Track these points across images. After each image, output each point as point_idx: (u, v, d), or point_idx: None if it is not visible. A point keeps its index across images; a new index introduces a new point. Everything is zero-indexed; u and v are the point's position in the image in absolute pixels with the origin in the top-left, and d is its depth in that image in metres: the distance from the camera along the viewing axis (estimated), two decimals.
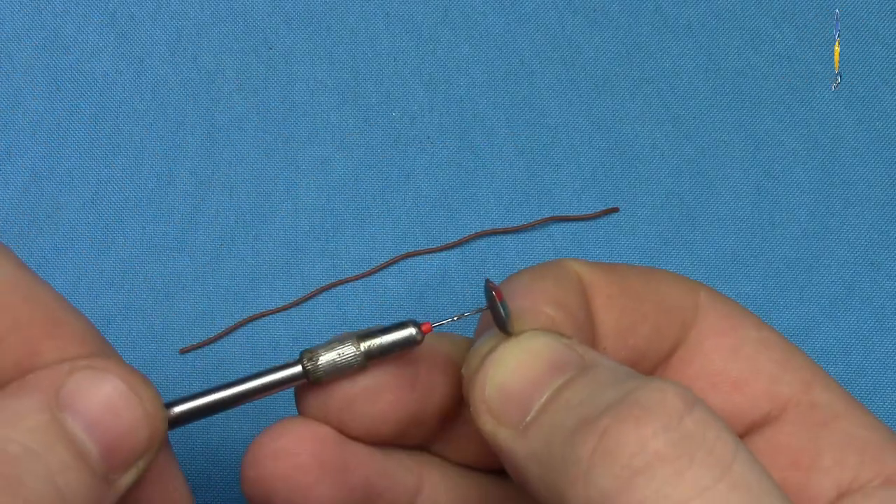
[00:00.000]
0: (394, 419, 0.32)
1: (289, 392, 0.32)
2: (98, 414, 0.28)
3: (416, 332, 0.31)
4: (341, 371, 0.31)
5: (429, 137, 0.51)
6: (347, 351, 0.31)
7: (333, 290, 0.49)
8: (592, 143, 0.52)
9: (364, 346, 0.31)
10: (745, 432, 0.33)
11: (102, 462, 0.27)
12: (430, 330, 0.31)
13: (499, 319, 0.30)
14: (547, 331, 0.29)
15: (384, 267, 0.50)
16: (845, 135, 0.52)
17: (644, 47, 0.52)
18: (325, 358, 0.31)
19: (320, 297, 0.49)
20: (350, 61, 0.51)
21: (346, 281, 0.49)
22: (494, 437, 0.28)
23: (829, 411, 0.32)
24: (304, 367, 0.31)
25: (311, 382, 0.31)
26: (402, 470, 0.33)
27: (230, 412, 0.31)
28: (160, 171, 0.50)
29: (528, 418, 0.28)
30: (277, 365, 0.31)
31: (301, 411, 0.32)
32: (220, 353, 0.49)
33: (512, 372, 0.28)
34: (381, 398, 0.31)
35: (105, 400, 0.28)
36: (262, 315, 0.49)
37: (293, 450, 0.31)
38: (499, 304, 0.29)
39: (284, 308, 0.49)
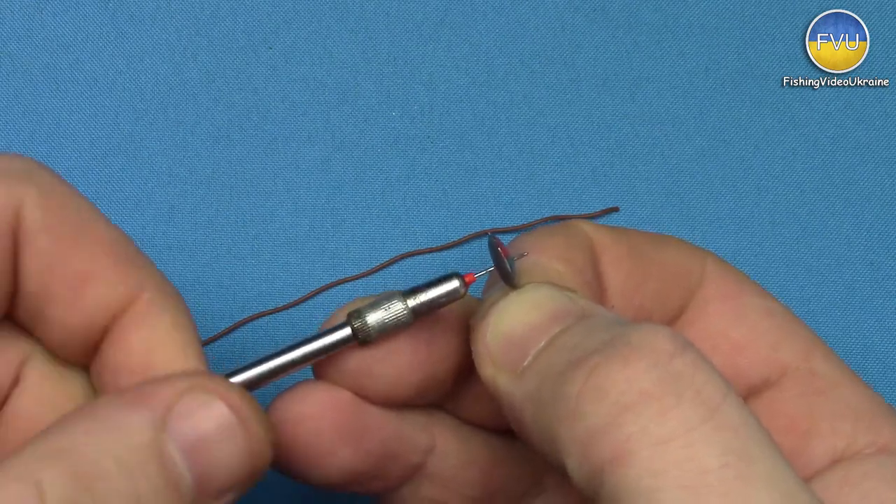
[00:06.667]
0: (410, 381, 0.32)
1: None
2: (200, 442, 0.27)
3: (460, 285, 0.31)
4: (390, 329, 0.31)
5: (429, 137, 0.51)
6: (395, 308, 0.30)
7: (333, 290, 0.49)
8: (592, 142, 0.52)
9: (410, 302, 0.31)
10: (744, 396, 0.33)
11: (193, 490, 0.27)
12: (474, 280, 0.31)
13: (504, 273, 0.30)
14: (550, 284, 0.30)
15: (384, 267, 0.50)
16: (845, 135, 0.52)
17: (644, 47, 0.52)
18: (373, 318, 0.30)
19: (320, 297, 0.49)
20: (350, 61, 0.51)
21: (346, 281, 0.49)
22: (494, 381, 0.29)
23: (827, 380, 0.32)
24: (352, 329, 0.31)
25: (360, 343, 0.31)
26: (416, 430, 0.33)
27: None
28: (160, 170, 0.50)
29: (526, 363, 0.28)
30: (325, 329, 0.31)
31: (318, 375, 0.32)
32: (221, 353, 0.49)
33: (513, 320, 0.29)
34: (397, 361, 0.31)
35: (211, 429, 0.27)
36: (262, 315, 0.49)
37: (313, 415, 0.31)
38: (504, 260, 0.30)
39: (284, 308, 0.49)
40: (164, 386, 0.27)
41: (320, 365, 0.32)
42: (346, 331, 0.31)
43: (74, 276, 0.29)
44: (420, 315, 0.31)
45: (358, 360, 0.31)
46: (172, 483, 0.26)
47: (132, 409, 0.27)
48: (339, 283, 0.49)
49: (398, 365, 0.31)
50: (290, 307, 0.49)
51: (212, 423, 0.27)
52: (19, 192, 0.29)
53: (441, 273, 0.31)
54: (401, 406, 0.33)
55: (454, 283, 0.31)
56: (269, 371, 0.31)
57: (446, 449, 0.34)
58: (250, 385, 0.31)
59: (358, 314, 0.31)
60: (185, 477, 0.27)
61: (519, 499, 0.36)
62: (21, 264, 0.29)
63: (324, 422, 0.31)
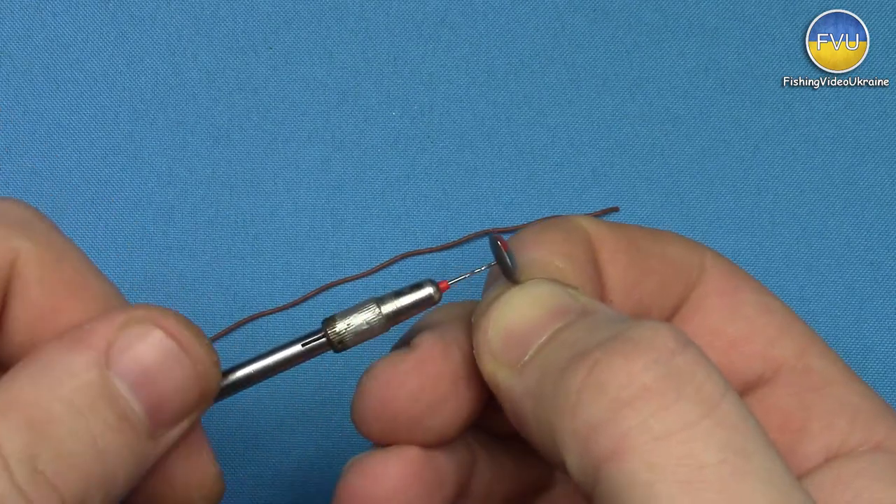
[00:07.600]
0: (461, 418, 0.31)
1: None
2: (145, 373, 0.27)
3: (434, 291, 0.31)
4: (364, 336, 0.31)
5: (429, 137, 0.51)
6: (368, 315, 0.31)
7: (333, 290, 0.49)
8: (592, 142, 0.52)
9: (384, 308, 0.31)
10: (739, 392, 0.33)
11: (147, 421, 0.27)
12: (448, 287, 0.31)
13: (506, 269, 0.30)
14: (551, 280, 0.30)
15: (384, 267, 0.50)
16: (845, 135, 0.52)
17: (644, 47, 0.52)
18: (347, 324, 0.31)
19: (320, 297, 0.49)
20: (350, 61, 0.51)
21: (346, 280, 0.49)
22: (494, 376, 0.29)
23: (822, 377, 0.32)
24: (327, 336, 0.31)
25: (335, 350, 0.31)
26: (462, 450, 0.33)
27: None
28: (160, 170, 0.50)
29: (527, 357, 0.28)
30: (300, 336, 0.31)
31: (373, 437, 0.31)
32: (220, 353, 0.48)
33: (514, 315, 0.29)
34: (444, 406, 0.31)
35: (153, 359, 0.27)
36: (262, 315, 0.49)
37: (398, 488, 0.31)
38: (505, 254, 0.30)
39: (284, 308, 0.49)
40: (102, 323, 0.28)
41: (374, 426, 0.31)
42: (321, 338, 0.31)
43: (66, 329, 0.29)
44: (394, 321, 0.31)
45: (405, 419, 0.31)
46: (125, 417, 0.27)
47: (73, 351, 0.27)
48: (339, 283, 0.49)
49: (446, 410, 0.31)
50: (290, 307, 0.49)
51: (153, 352, 0.27)
52: (16, 244, 0.29)
53: (440, 274, 0.31)
54: (455, 438, 0.32)
55: (428, 290, 0.31)
56: (242, 378, 0.31)
57: (485, 464, 0.34)
58: (225, 391, 0.31)
59: (332, 320, 0.31)
60: (135, 410, 0.27)
61: (532, 495, 0.36)
62: (9, 315, 0.29)
63: (410, 489, 0.31)
